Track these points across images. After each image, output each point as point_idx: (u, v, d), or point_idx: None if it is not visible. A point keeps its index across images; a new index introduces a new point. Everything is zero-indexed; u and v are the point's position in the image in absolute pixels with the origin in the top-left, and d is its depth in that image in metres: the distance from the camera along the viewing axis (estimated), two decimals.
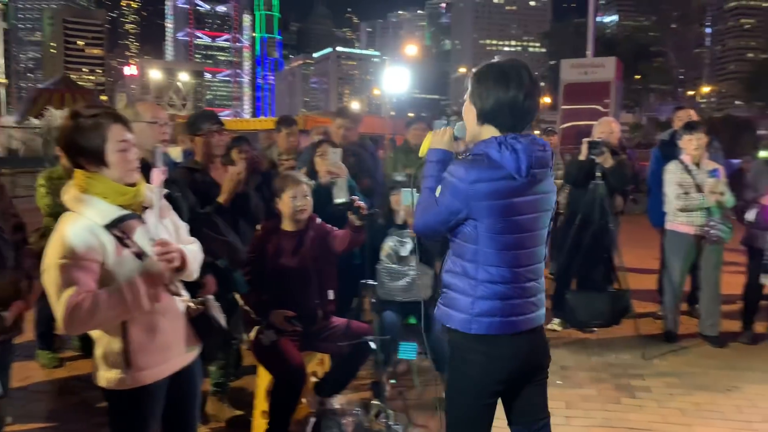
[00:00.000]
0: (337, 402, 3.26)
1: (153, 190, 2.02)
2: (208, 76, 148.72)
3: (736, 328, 4.91)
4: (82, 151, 1.88)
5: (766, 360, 4.43)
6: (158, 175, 1.97)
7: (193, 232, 2.30)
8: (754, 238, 4.69)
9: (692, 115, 5.40)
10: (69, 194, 1.91)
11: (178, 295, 2.04)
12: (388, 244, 3.75)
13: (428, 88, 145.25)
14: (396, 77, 30.08)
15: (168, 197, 2.29)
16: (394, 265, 3.71)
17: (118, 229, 1.86)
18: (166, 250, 1.87)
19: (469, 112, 1.98)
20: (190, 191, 3.04)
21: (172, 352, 2.04)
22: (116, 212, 1.89)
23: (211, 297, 2.18)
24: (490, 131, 1.94)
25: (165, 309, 1.99)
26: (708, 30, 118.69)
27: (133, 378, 1.95)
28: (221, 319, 2.15)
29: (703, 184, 4.53)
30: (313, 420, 3.18)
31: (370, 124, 26.05)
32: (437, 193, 1.93)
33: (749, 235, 4.76)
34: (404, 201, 3.60)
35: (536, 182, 1.93)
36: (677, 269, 4.77)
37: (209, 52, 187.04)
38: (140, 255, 1.88)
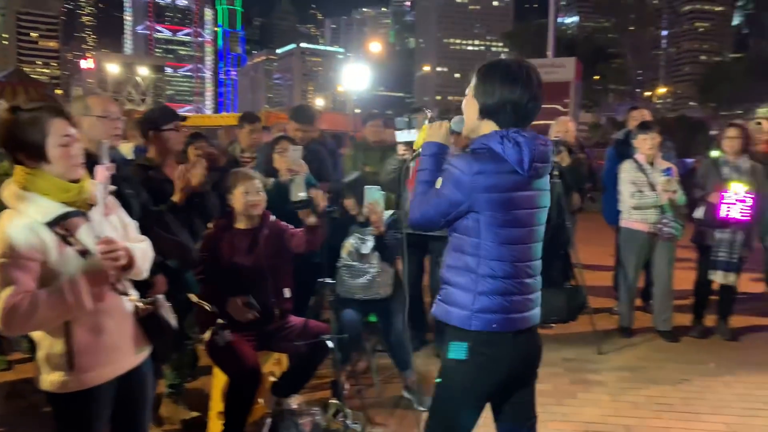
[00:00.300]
0: (294, 402, 3.23)
1: (98, 186, 1.95)
2: (168, 70, 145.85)
3: (688, 322, 5.06)
4: (22, 146, 1.81)
5: (715, 353, 4.58)
6: (102, 171, 1.90)
7: (144, 231, 2.24)
8: (702, 236, 4.83)
9: (646, 115, 5.53)
10: (8, 191, 1.84)
11: (126, 294, 1.98)
12: (350, 241, 3.73)
13: (393, 86, 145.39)
14: (357, 74, 29.92)
15: (118, 194, 2.22)
16: (354, 263, 3.69)
17: (61, 226, 1.80)
18: (111, 249, 1.81)
19: (471, 106, 1.97)
20: (143, 189, 2.96)
21: (119, 354, 1.98)
22: (58, 209, 1.82)
23: (161, 296, 2.12)
24: (490, 126, 1.93)
25: (111, 309, 1.93)
26: (664, 33, 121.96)
27: (77, 380, 1.88)
28: (172, 319, 2.10)
29: (657, 183, 4.64)
30: (269, 421, 3.13)
31: (334, 121, 25.89)
32: (438, 185, 1.92)
33: (698, 233, 4.90)
34: (368, 198, 3.58)
35: (537, 177, 1.93)
36: (632, 266, 4.87)
37: (170, 47, 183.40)
38: (84, 253, 1.82)
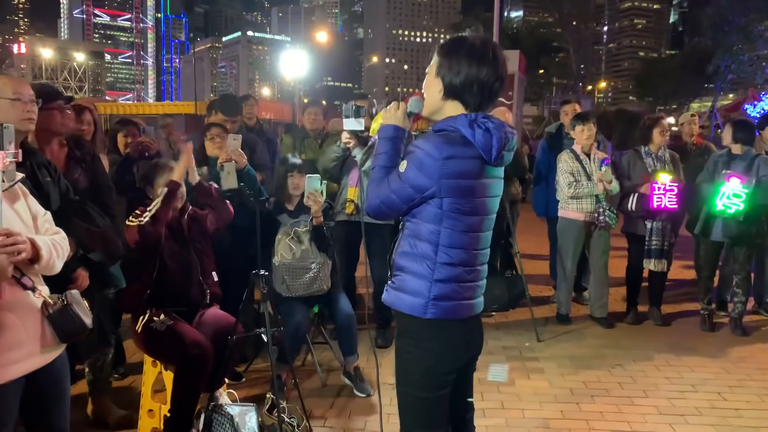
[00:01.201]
0: (228, 397, 3.13)
1: None
2: (107, 57, 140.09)
3: (623, 308, 5.20)
4: None
5: (647, 339, 4.72)
6: (2, 157, 1.75)
7: (63, 222, 2.09)
8: (634, 225, 4.96)
9: (577, 108, 5.63)
10: None
11: (33, 289, 1.84)
12: (285, 240, 3.62)
13: (341, 77, 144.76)
14: (295, 61, 28.21)
15: (35, 183, 2.06)
16: (292, 262, 3.59)
17: None
18: (10, 242, 1.67)
19: (433, 85, 1.87)
20: (63, 177, 2.77)
21: (23, 352, 1.83)
22: None
23: (74, 292, 1.98)
24: (454, 107, 1.85)
25: (13, 305, 1.79)
26: (605, 28, 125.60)
27: None
28: (85, 315, 1.96)
29: (593, 173, 4.73)
30: (204, 415, 3.02)
31: (280, 111, 25.56)
32: (401, 169, 1.81)
33: (629, 222, 5.04)
34: (308, 188, 3.50)
35: (499, 165, 1.89)
36: (569, 254, 4.96)
37: (109, 32, 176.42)
38: None
